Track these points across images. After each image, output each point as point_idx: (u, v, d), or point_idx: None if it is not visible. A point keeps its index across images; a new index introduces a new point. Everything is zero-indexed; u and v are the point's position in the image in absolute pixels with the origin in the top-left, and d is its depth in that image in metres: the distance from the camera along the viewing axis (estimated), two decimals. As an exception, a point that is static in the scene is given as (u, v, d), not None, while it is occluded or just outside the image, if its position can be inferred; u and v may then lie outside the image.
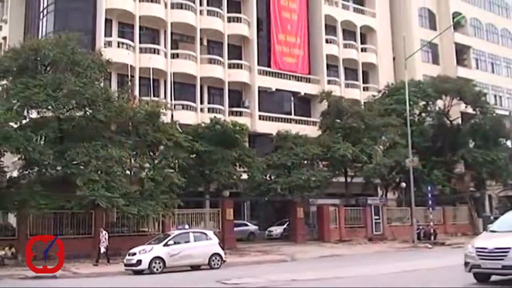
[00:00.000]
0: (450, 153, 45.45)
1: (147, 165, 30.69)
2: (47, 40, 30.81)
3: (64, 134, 28.49)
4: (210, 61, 42.29)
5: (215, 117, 35.48)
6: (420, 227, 37.02)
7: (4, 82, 28.93)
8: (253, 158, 35.55)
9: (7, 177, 27.60)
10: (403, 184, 40.66)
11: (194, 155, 33.23)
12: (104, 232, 25.47)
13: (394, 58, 53.33)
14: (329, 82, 47.63)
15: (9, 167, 28.99)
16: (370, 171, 38.78)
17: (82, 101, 27.28)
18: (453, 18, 53.27)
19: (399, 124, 39.56)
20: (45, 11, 39.18)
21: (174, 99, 38.80)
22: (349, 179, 40.74)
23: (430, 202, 38.50)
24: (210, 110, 41.07)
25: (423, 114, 46.05)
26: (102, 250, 25.10)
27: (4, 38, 43.05)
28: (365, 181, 41.50)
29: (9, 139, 25.08)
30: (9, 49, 30.69)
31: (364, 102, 46.46)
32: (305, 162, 37.53)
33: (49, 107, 27.32)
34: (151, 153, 31.62)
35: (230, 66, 42.94)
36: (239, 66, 43.65)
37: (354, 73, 50.91)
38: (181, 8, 41.15)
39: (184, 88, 40.77)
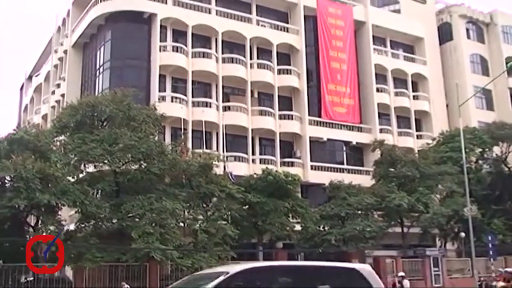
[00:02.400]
0: (510, 201, 43.95)
1: (200, 217, 30.73)
2: (103, 96, 31.76)
3: (120, 187, 28.95)
4: (261, 113, 42.60)
5: (267, 168, 35.45)
6: (482, 279, 35.48)
7: (62, 137, 29.82)
8: (306, 209, 35.16)
9: (64, 230, 28.02)
10: (462, 234, 39.31)
11: (247, 206, 33.11)
12: (126, 286, 25.14)
13: (447, 105, 52.63)
14: (381, 130, 47.15)
15: (66, 221, 29.54)
16: (428, 220, 37.72)
17: (137, 155, 27.79)
18: (506, 64, 52.28)
19: (456, 172, 38.58)
20: (101, 68, 40.59)
21: (226, 151, 39.09)
22: (405, 230, 39.64)
23: (491, 253, 37.00)
24: (262, 161, 41.10)
25: (480, 162, 44.93)
26: None
27: (62, 95, 44.61)
28: (423, 231, 40.29)
29: (66, 193, 25.62)
30: (67, 105, 31.79)
31: (418, 150, 45.71)
32: (359, 212, 36.78)
33: (106, 161, 27.93)
34: (204, 205, 31.71)
35: (281, 117, 43.11)
36: (290, 117, 43.79)
37: (407, 121, 50.31)
38: (232, 62, 41.94)
39: (236, 139, 41.08)
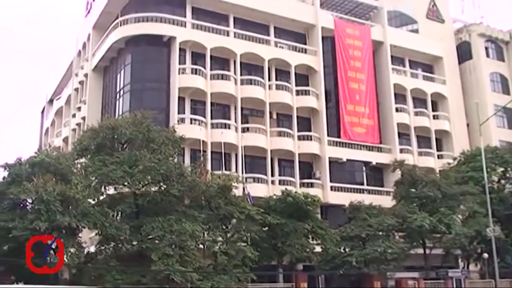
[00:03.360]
0: (534, 221, 43.19)
1: (219, 238, 30.64)
2: (123, 119, 31.99)
3: (140, 209, 29.01)
4: (280, 134, 42.58)
5: (286, 189, 35.34)
6: None
7: (83, 160, 30.04)
8: (326, 230, 34.93)
9: (85, 252, 28.08)
10: (485, 255, 38.74)
11: (266, 228, 32.98)
12: None
13: (468, 125, 52.24)
14: (401, 150, 46.83)
15: (87, 243, 29.61)
16: (450, 241, 37.29)
17: (157, 176, 27.86)
18: (528, 82, 52.01)
19: (478, 192, 38.20)
20: (121, 91, 41.00)
21: (246, 172, 39.04)
22: (427, 251, 39.17)
23: (515, 274, 36.42)
24: (281, 182, 40.98)
25: (502, 181, 44.28)
26: None
27: (83, 118, 45.08)
28: (445, 253, 39.82)
29: (87, 215, 25.73)
30: (87, 128, 32.05)
31: (439, 170, 45.35)
32: (380, 233, 36.43)
33: (126, 183, 28.02)
34: (224, 227, 31.59)
35: (300, 138, 43.04)
36: (309, 138, 43.69)
37: (427, 141, 49.97)
38: (251, 83, 42.10)
39: (255, 161, 41.05)
